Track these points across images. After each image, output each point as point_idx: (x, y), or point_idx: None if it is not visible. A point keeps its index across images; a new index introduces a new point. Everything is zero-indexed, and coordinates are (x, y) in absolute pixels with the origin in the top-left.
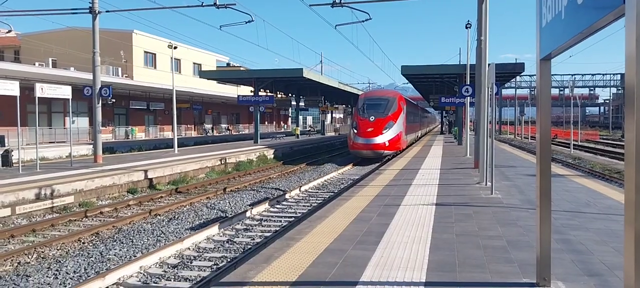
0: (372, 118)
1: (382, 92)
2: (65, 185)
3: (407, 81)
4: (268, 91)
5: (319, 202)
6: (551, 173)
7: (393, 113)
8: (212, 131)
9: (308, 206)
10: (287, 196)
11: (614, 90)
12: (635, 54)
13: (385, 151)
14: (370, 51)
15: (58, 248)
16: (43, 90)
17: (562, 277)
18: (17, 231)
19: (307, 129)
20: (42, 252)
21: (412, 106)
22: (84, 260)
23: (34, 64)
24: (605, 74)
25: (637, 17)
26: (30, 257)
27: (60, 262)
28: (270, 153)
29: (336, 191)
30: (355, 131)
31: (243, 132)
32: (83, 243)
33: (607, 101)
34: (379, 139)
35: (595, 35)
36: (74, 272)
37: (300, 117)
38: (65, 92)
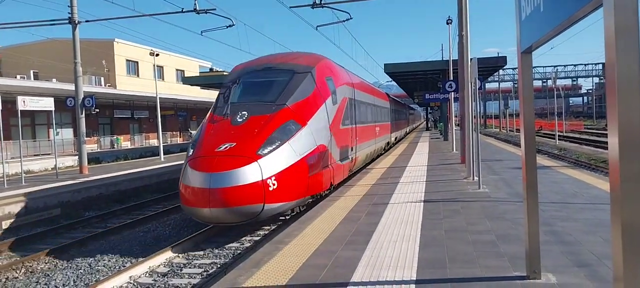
0: (241, 117)
1: (284, 58)
2: (51, 198)
3: (390, 79)
4: None
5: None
6: (537, 165)
7: (302, 101)
8: None
9: None
10: None
11: (596, 80)
12: (615, 44)
13: (269, 207)
14: (353, 51)
15: (46, 261)
16: (25, 103)
17: (552, 269)
18: (3, 245)
19: None
20: (30, 266)
21: (384, 98)
22: (72, 272)
23: (15, 77)
24: (587, 64)
25: (615, 7)
26: (18, 271)
27: (48, 275)
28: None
29: None
30: (191, 155)
31: None
32: (71, 255)
33: (590, 91)
34: (243, 175)
35: (575, 25)
36: (63, 285)
37: None
38: (48, 104)
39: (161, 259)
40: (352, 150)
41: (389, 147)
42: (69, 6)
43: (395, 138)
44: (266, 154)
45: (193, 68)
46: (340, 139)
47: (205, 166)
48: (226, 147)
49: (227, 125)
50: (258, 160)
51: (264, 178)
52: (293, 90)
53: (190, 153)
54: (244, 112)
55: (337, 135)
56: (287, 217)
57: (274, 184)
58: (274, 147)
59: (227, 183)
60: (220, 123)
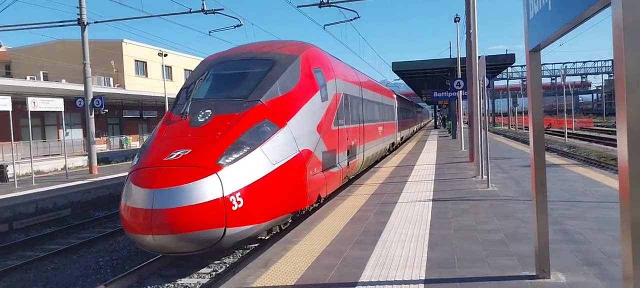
0: (203, 117)
1: (265, 46)
2: (61, 198)
3: (398, 77)
4: None
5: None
6: (546, 163)
7: (281, 97)
8: None
9: None
10: None
11: (605, 76)
12: (623, 42)
13: (232, 231)
14: (361, 49)
15: (55, 262)
16: (35, 104)
17: (561, 268)
18: (14, 246)
19: None
20: (41, 265)
21: (389, 95)
22: (81, 272)
23: (25, 78)
24: (597, 61)
25: (623, 5)
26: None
27: (58, 275)
28: None
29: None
30: (134, 165)
31: None
32: (81, 255)
33: (600, 88)
34: (196, 191)
35: (584, 23)
36: (73, 285)
37: None
38: (58, 104)
39: (167, 259)
40: (348, 154)
41: (394, 147)
42: (77, 7)
43: (402, 138)
44: (229, 163)
45: None
46: (332, 141)
47: (148, 180)
48: (178, 155)
49: (184, 127)
50: (218, 172)
51: (225, 194)
52: (270, 84)
53: (134, 163)
54: (207, 111)
55: (328, 138)
56: (266, 238)
57: (238, 202)
58: (241, 154)
59: (174, 202)
60: (177, 124)
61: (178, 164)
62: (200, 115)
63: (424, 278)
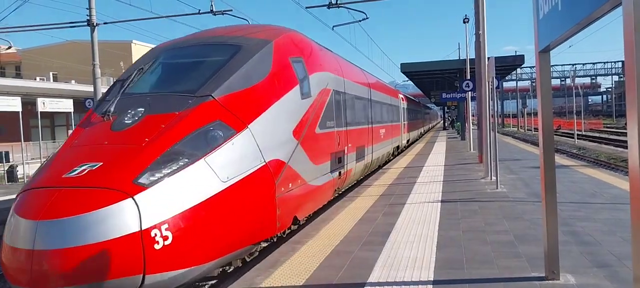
0: (132, 118)
1: (234, 30)
2: None
3: (407, 79)
4: None
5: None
6: (556, 165)
7: (242, 91)
8: None
9: None
10: None
11: (616, 78)
12: (634, 42)
13: (154, 279)
14: (369, 51)
15: None
16: (45, 105)
17: (571, 270)
18: None
19: None
20: None
21: (393, 94)
22: None
23: (35, 79)
24: (607, 63)
25: (635, 5)
26: None
27: None
28: None
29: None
30: (25, 186)
31: None
32: None
33: (610, 89)
34: (98, 224)
35: (594, 24)
36: None
37: None
38: (67, 105)
39: None
40: (339, 162)
41: (399, 151)
42: (87, 8)
43: (408, 140)
44: (155, 183)
45: None
46: (317, 148)
47: (33, 208)
48: (83, 170)
49: (103, 131)
50: (135, 195)
51: (145, 227)
52: (229, 75)
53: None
54: (139, 110)
55: (310, 143)
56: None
57: (165, 237)
58: (174, 168)
59: (65, 240)
60: (95, 128)
61: (79, 184)
62: (127, 116)
63: (432, 279)
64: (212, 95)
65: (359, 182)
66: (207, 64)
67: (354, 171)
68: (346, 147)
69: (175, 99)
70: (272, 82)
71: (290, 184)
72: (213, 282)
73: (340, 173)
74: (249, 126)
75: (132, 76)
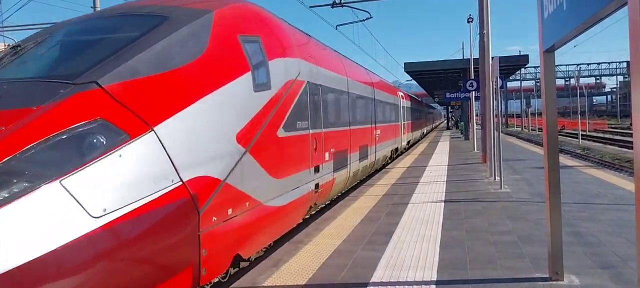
0: None
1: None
2: None
3: (410, 78)
4: None
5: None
6: (560, 165)
7: (154, 76)
8: None
9: None
10: None
11: (620, 78)
12: None
13: None
14: (373, 50)
15: None
16: None
17: (575, 271)
18: None
19: None
20: None
21: (392, 92)
22: None
23: None
24: (611, 63)
25: None
26: None
27: None
28: None
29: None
30: None
31: None
32: None
33: (614, 89)
34: None
35: (599, 24)
36: None
37: None
38: None
39: None
40: (316, 171)
41: (398, 153)
42: (92, 8)
43: (408, 142)
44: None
45: None
46: (281, 155)
47: None
48: None
49: None
50: None
51: None
52: (133, 54)
53: None
54: None
55: (270, 150)
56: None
57: None
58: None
59: None
60: None
61: None
62: None
63: (435, 279)
64: (98, 82)
65: (361, 182)
66: (112, 41)
67: (337, 181)
68: (327, 153)
69: (42, 88)
70: (205, 66)
71: (229, 210)
72: (215, 279)
73: (316, 185)
74: (154, 128)
75: (5, 56)
